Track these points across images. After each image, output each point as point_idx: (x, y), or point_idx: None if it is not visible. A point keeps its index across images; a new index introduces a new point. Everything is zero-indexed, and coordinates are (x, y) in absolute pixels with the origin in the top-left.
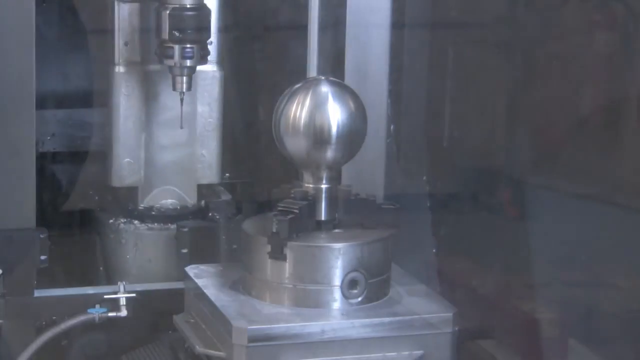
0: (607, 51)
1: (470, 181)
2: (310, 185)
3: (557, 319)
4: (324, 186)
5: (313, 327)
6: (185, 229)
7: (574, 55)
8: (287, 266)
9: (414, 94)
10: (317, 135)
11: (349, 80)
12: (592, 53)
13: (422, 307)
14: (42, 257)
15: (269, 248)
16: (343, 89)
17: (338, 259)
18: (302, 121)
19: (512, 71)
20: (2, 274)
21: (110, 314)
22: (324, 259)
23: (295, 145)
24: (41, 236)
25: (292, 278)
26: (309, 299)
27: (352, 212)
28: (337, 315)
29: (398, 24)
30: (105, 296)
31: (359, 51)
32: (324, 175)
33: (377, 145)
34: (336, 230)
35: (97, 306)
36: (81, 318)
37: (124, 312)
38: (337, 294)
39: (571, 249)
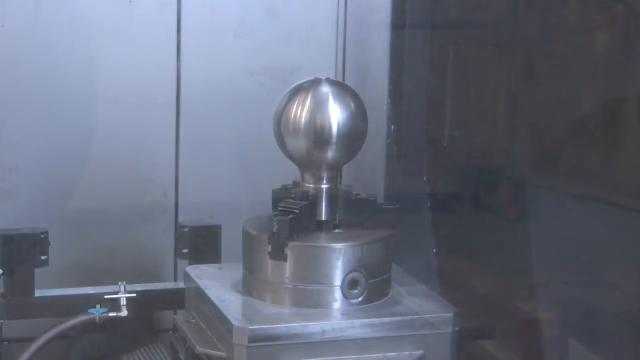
0: (607, 51)
1: (471, 181)
2: (311, 185)
3: (557, 319)
4: (324, 186)
5: (313, 327)
6: (186, 229)
7: (575, 56)
8: (288, 266)
9: (414, 94)
10: (318, 135)
11: (349, 80)
12: (592, 53)
13: (422, 307)
14: (42, 257)
15: (269, 248)
16: (343, 89)
17: (338, 259)
18: (303, 121)
19: (512, 71)
20: (2, 274)
21: (111, 314)
22: (325, 259)
23: (296, 145)
24: (41, 236)
25: (292, 278)
26: (310, 299)
27: (352, 212)
28: (337, 315)
29: (398, 24)
30: (106, 296)
31: (359, 51)
32: (325, 175)
33: (377, 145)
34: (336, 231)
35: (98, 306)
36: (81, 318)
37: (124, 312)
38: (338, 294)
39: (571, 249)
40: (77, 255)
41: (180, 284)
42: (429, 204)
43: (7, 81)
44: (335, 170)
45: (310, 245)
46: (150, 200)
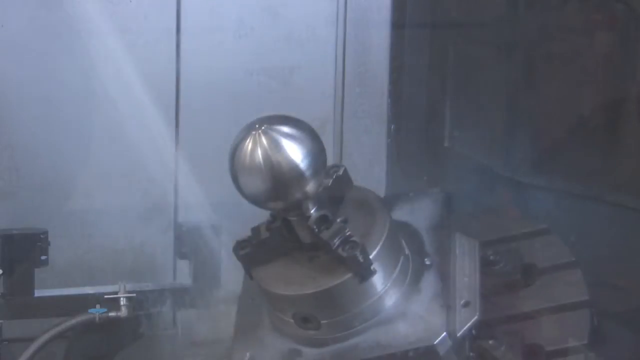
0: (607, 52)
1: (471, 181)
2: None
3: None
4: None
5: None
6: (186, 229)
7: (575, 56)
8: None
9: (414, 93)
10: (257, 193)
11: (349, 80)
12: (592, 54)
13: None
14: (42, 257)
15: None
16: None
17: None
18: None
19: (512, 71)
20: (2, 274)
21: (111, 314)
22: None
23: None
24: (41, 236)
25: None
26: None
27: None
28: None
29: (398, 24)
30: (106, 296)
31: (359, 51)
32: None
33: (377, 145)
34: None
35: (98, 306)
36: (81, 318)
37: (124, 312)
38: None
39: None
40: (77, 255)
41: (181, 284)
42: None
43: (7, 81)
44: (296, 204)
45: None
46: (150, 200)
